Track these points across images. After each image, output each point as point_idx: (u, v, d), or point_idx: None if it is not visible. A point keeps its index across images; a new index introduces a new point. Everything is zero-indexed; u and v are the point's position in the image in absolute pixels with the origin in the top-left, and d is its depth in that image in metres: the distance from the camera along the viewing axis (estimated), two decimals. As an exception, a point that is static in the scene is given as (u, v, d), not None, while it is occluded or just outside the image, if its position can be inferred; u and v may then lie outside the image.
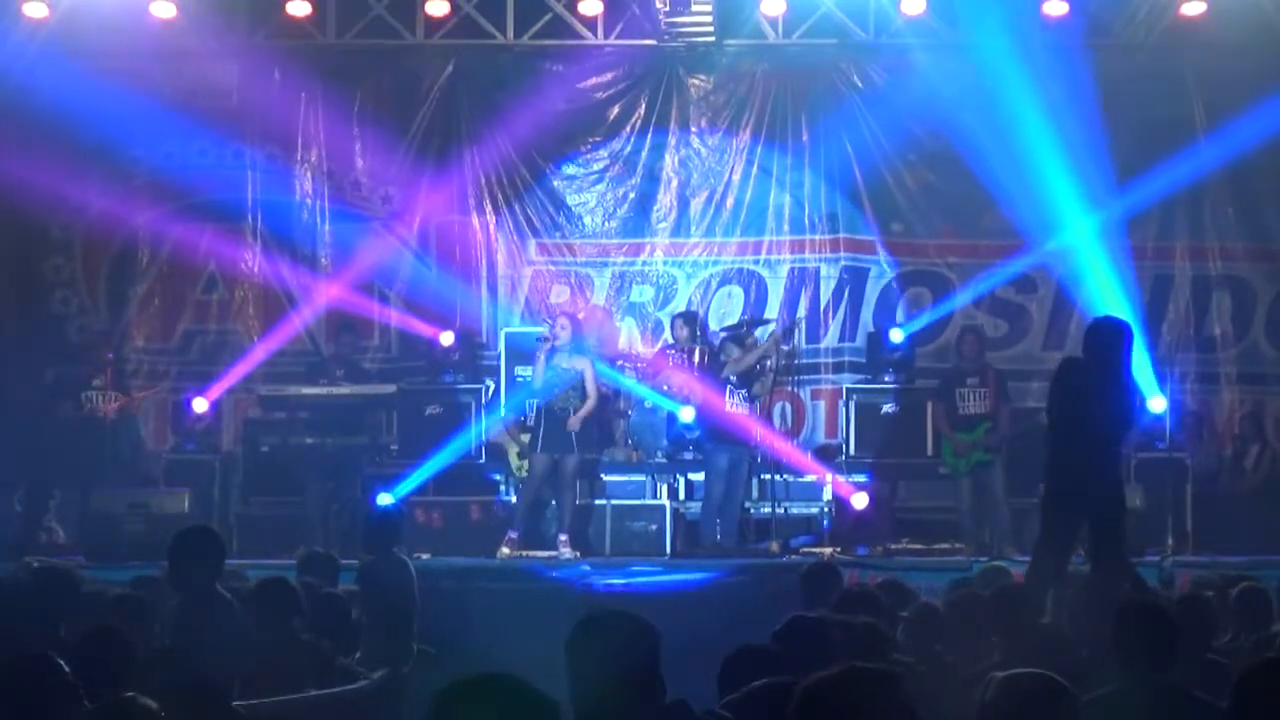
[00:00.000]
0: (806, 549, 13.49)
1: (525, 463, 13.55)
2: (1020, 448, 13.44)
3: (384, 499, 12.80)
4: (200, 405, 14.81)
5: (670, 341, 15.28)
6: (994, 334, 15.48)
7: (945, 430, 13.67)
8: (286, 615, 7.59)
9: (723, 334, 15.18)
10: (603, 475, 14.40)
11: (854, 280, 16.11)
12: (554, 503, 13.35)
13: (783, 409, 15.44)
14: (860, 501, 13.63)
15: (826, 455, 15.07)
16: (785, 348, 14.22)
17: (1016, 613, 7.21)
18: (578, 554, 12.99)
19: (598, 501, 13.96)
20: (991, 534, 13.47)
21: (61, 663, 5.42)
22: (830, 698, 3.82)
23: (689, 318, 15.07)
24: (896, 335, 15.28)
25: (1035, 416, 14.30)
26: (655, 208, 16.32)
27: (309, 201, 16.24)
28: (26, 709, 5.24)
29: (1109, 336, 9.56)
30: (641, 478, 14.44)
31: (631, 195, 16.32)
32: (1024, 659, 5.63)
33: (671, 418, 14.32)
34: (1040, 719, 4.47)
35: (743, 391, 13.56)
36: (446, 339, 15.34)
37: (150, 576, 9.26)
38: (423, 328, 15.81)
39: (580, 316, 14.43)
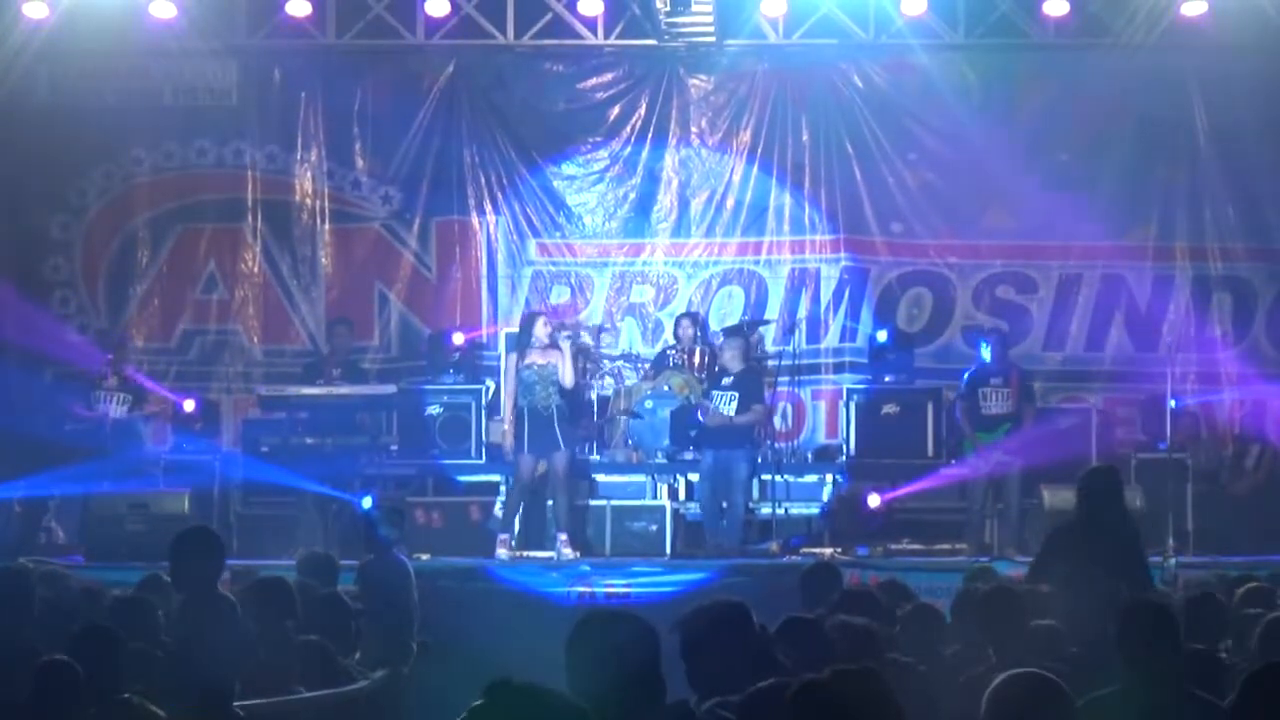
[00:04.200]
0: (807, 549, 13.48)
1: None
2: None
3: (367, 502, 12.80)
4: (188, 406, 14.83)
5: (671, 342, 15.29)
6: (1006, 334, 15.44)
7: (967, 430, 13.64)
8: (281, 615, 7.59)
9: (721, 335, 15.17)
10: (601, 475, 14.40)
11: (854, 280, 16.10)
12: (550, 503, 13.36)
13: (783, 409, 15.42)
14: (873, 501, 13.58)
15: (826, 456, 15.08)
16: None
17: (1014, 613, 7.19)
18: (577, 554, 12.98)
19: (597, 502, 13.96)
20: (996, 534, 13.47)
21: (76, 666, 5.44)
22: (823, 699, 3.82)
23: (694, 318, 15.10)
24: (881, 337, 15.32)
25: (1041, 416, 14.35)
26: (655, 208, 16.31)
27: (309, 201, 16.23)
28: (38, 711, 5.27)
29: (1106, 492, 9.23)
30: (642, 478, 14.44)
31: (632, 195, 16.30)
32: (1021, 659, 5.63)
33: (674, 418, 14.29)
34: (1037, 719, 4.47)
35: (732, 394, 13.51)
36: (458, 339, 15.38)
37: (154, 576, 9.27)
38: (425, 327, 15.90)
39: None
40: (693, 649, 5.07)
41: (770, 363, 14.98)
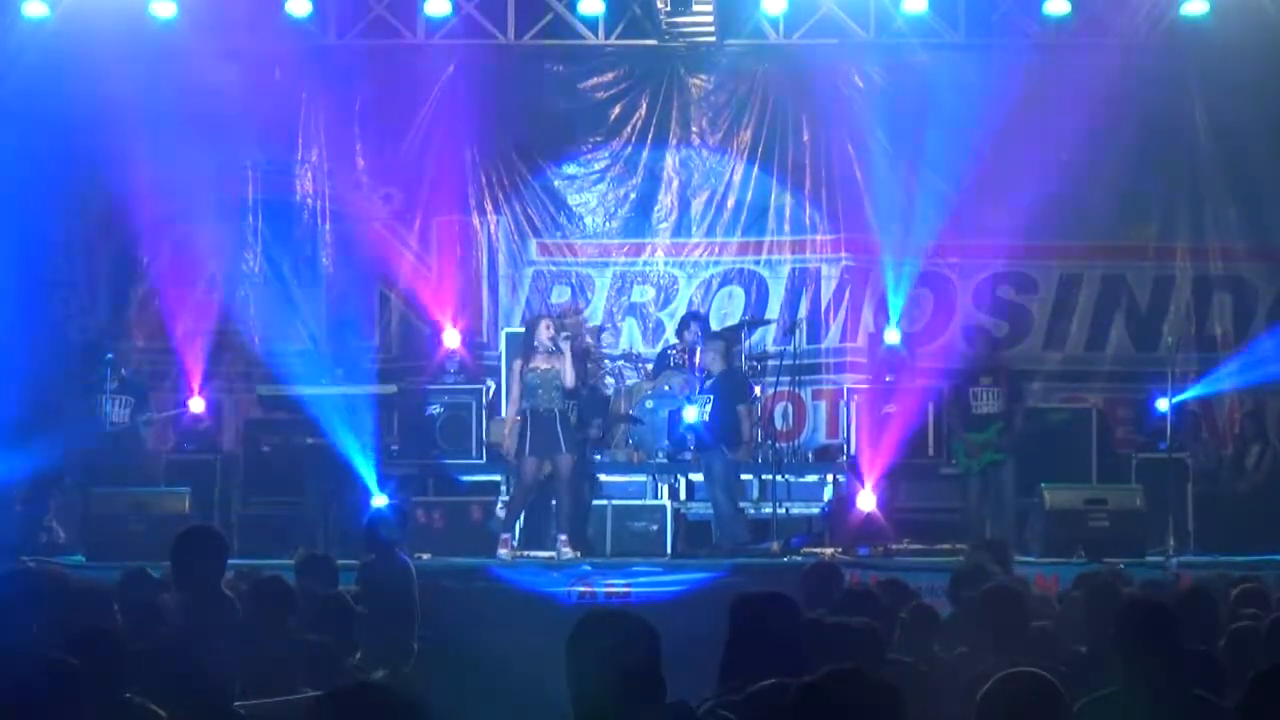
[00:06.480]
0: (807, 549, 13.49)
1: None
2: (1027, 448, 13.46)
3: (378, 500, 12.80)
4: (197, 405, 14.81)
5: (673, 341, 15.29)
6: (994, 334, 15.47)
7: (957, 430, 13.66)
8: (283, 615, 7.59)
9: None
10: (602, 475, 14.41)
11: (855, 280, 16.10)
12: (553, 503, 13.36)
13: (784, 409, 15.43)
14: (867, 502, 13.59)
15: (827, 456, 15.07)
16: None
17: (1014, 613, 7.20)
18: (578, 554, 12.99)
19: (598, 502, 13.96)
20: (994, 533, 13.46)
21: (76, 664, 5.43)
22: (824, 700, 3.82)
23: (700, 320, 15.11)
24: (892, 337, 15.30)
25: (1041, 416, 14.39)
26: (656, 208, 16.32)
27: (309, 201, 16.23)
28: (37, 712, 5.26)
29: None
30: (642, 478, 14.47)
31: (632, 195, 16.32)
32: (1021, 660, 5.63)
33: (673, 418, 14.30)
34: (1031, 719, 4.48)
35: (708, 396, 13.58)
36: (451, 340, 15.36)
37: (139, 571, 9.26)
38: (425, 327, 15.90)
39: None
40: (743, 634, 5.10)
41: (771, 362, 14.99)
